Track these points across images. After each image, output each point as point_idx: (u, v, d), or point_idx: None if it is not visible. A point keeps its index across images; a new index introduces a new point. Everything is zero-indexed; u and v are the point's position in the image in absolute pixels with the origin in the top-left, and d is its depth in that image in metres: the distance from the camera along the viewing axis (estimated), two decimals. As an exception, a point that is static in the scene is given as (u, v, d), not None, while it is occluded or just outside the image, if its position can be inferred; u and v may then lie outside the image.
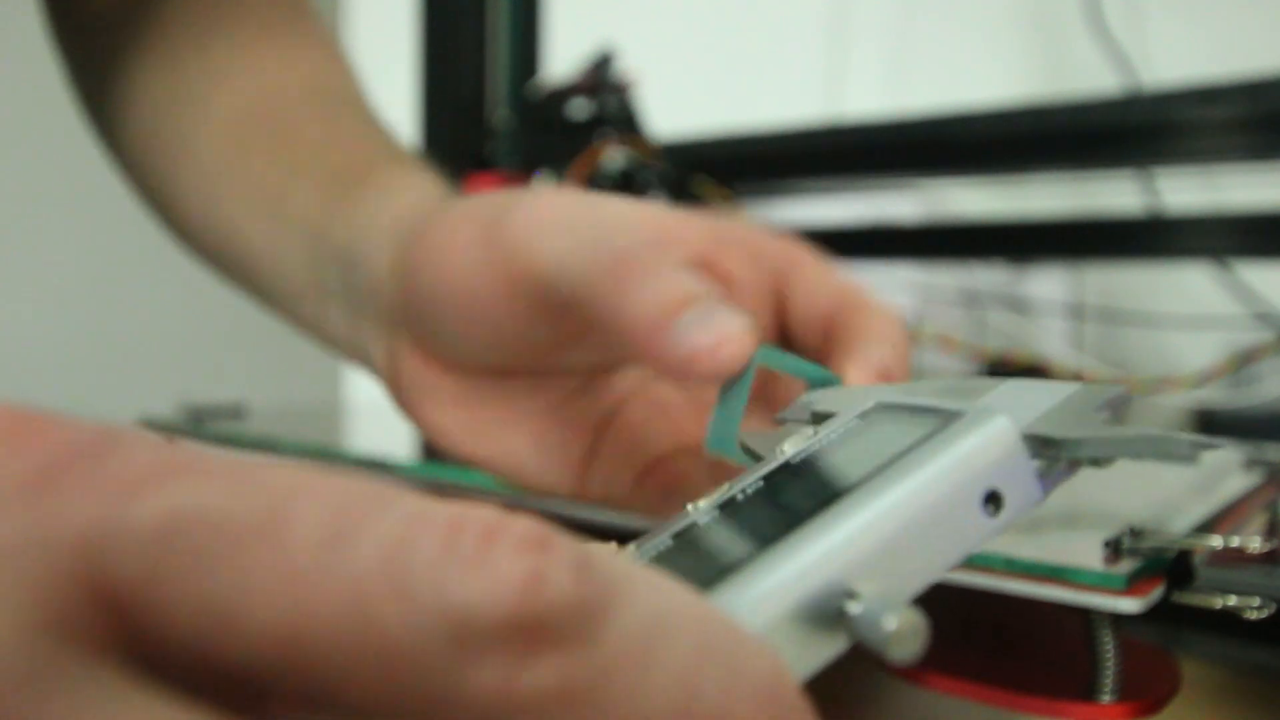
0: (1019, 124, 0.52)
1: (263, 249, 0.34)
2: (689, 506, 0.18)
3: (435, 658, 0.11)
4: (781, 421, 0.22)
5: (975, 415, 0.17)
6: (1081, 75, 0.75)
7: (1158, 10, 0.77)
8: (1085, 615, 0.25)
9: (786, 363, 0.22)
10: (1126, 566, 0.24)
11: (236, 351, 1.17)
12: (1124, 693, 0.24)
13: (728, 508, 0.17)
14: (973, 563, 0.26)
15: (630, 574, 0.12)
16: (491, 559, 0.11)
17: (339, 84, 0.39)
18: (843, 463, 0.17)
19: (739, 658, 0.12)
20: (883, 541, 0.15)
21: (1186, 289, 0.66)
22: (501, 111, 0.70)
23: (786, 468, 0.18)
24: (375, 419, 0.60)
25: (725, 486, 0.18)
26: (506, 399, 0.28)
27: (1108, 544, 0.25)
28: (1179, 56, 0.66)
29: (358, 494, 0.11)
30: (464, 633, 0.11)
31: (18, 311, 1.00)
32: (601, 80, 0.63)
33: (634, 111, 0.63)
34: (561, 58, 0.72)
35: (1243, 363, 0.46)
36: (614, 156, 0.60)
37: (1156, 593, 0.24)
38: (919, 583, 0.16)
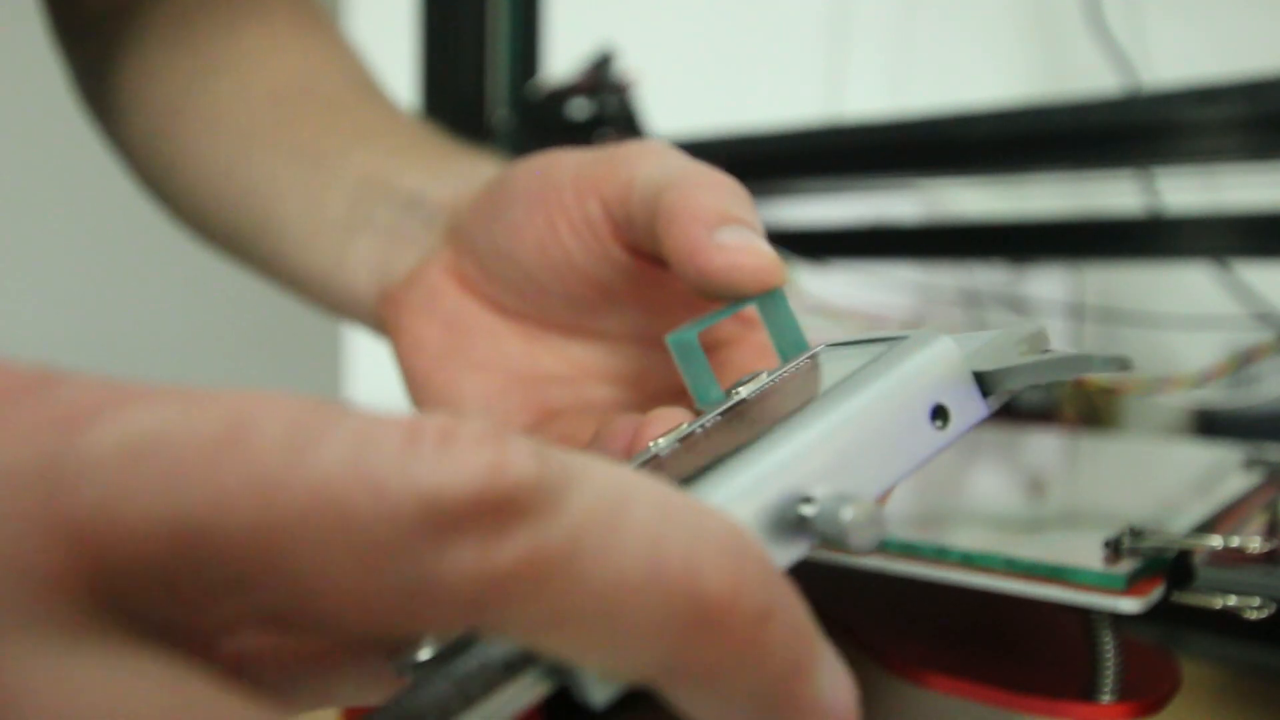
0: (1019, 124, 0.52)
1: (295, 193, 0.35)
2: (651, 443, 0.19)
3: (410, 544, 0.11)
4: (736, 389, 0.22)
5: (920, 337, 0.18)
6: (1081, 75, 0.75)
7: (1158, 10, 0.77)
8: (1085, 615, 0.25)
9: (783, 316, 0.23)
10: (1126, 566, 0.24)
11: (237, 351, 1.17)
12: (1124, 693, 0.24)
13: (687, 440, 0.18)
14: (973, 563, 0.26)
15: (585, 459, 0.13)
16: (454, 450, 0.11)
17: (374, 80, 0.40)
18: (795, 392, 0.18)
19: (699, 519, 0.13)
20: (835, 452, 0.16)
21: (1186, 289, 0.66)
22: (501, 111, 0.70)
23: (743, 403, 0.19)
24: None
25: (684, 425, 0.19)
26: (495, 344, 0.29)
27: (1108, 544, 0.25)
28: (1179, 56, 0.66)
29: (312, 405, 0.12)
30: (436, 516, 0.11)
31: (17, 312, 1.00)
32: (601, 80, 0.63)
33: (634, 111, 0.63)
34: (561, 58, 0.72)
35: (1243, 363, 0.46)
36: (614, 156, 0.60)
37: (1156, 593, 0.24)
38: (872, 491, 0.17)
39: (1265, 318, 0.54)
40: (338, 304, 0.34)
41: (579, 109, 0.63)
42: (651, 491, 0.13)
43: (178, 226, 0.42)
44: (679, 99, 0.74)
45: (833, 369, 0.19)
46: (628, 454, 0.22)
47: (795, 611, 0.13)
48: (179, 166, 0.39)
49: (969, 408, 0.18)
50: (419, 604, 0.11)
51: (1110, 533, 0.25)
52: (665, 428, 0.21)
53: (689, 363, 0.23)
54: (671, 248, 0.23)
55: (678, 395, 0.28)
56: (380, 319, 0.32)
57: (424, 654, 0.14)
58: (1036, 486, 0.42)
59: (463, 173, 0.32)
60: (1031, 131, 0.51)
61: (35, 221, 1.00)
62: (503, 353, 0.29)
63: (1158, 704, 0.24)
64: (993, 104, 0.52)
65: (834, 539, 0.15)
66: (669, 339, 0.24)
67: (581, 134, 0.62)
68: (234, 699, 0.11)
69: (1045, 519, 0.35)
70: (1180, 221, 0.53)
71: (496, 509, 0.11)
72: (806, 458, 0.16)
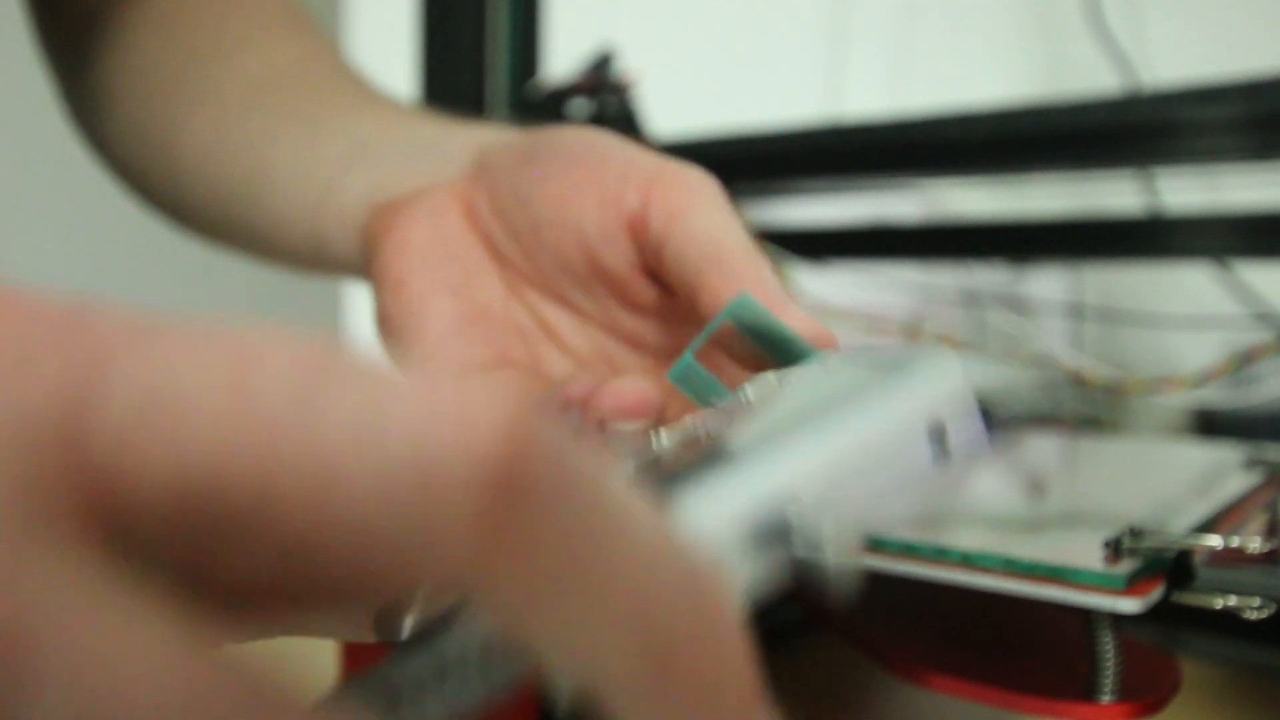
0: (1019, 124, 0.52)
1: (291, 144, 0.35)
2: (654, 443, 0.19)
3: (409, 512, 0.11)
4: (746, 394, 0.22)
5: (928, 355, 0.18)
6: (1081, 75, 0.75)
7: (1158, 10, 0.77)
8: (1085, 615, 0.25)
9: (760, 318, 0.23)
10: (1126, 566, 0.24)
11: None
12: (1124, 693, 0.24)
13: (689, 442, 0.19)
14: (973, 563, 0.26)
15: (598, 461, 0.12)
16: (468, 424, 0.11)
17: (364, 77, 0.40)
18: (800, 398, 0.18)
19: (697, 576, 0.13)
20: (830, 462, 0.16)
21: (1186, 289, 0.66)
22: (501, 111, 0.70)
23: (748, 406, 0.19)
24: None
25: (689, 424, 0.19)
26: (478, 275, 0.29)
27: (1108, 544, 0.25)
28: (1179, 56, 0.66)
29: (320, 355, 0.11)
30: (434, 491, 0.11)
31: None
32: (601, 80, 0.63)
33: (634, 111, 0.63)
34: (561, 58, 0.72)
35: (1243, 363, 0.46)
36: (614, 156, 0.60)
37: (1156, 593, 0.24)
38: (863, 508, 0.16)
39: (1265, 318, 0.54)
40: (321, 240, 0.33)
41: (579, 109, 0.63)
42: (650, 520, 0.13)
43: (158, 215, 0.42)
44: (679, 99, 0.74)
45: (840, 379, 0.19)
46: (580, 409, 0.22)
47: (748, 669, 0.13)
48: (166, 143, 0.39)
49: (969, 432, 0.18)
50: (407, 566, 0.11)
51: (1110, 533, 0.25)
52: (621, 398, 0.21)
53: (696, 386, 0.23)
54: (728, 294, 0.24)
55: None
56: (368, 233, 0.31)
57: (407, 625, 0.14)
58: (1036, 486, 0.42)
59: (482, 131, 0.32)
60: (1031, 131, 0.51)
61: (34, 215, 1.00)
62: (481, 286, 0.29)
63: (1158, 704, 0.24)
64: (993, 104, 0.52)
65: (811, 552, 0.15)
66: (672, 378, 0.24)
67: (581, 134, 0.62)
68: (225, 633, 0.11)
69: (1045, 519, 0.35)
70: (1180, 221, 0.53)
71: (502, 492, 0.11)
72: (800, 465, 0.16)
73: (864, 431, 0.17)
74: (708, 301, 0.24)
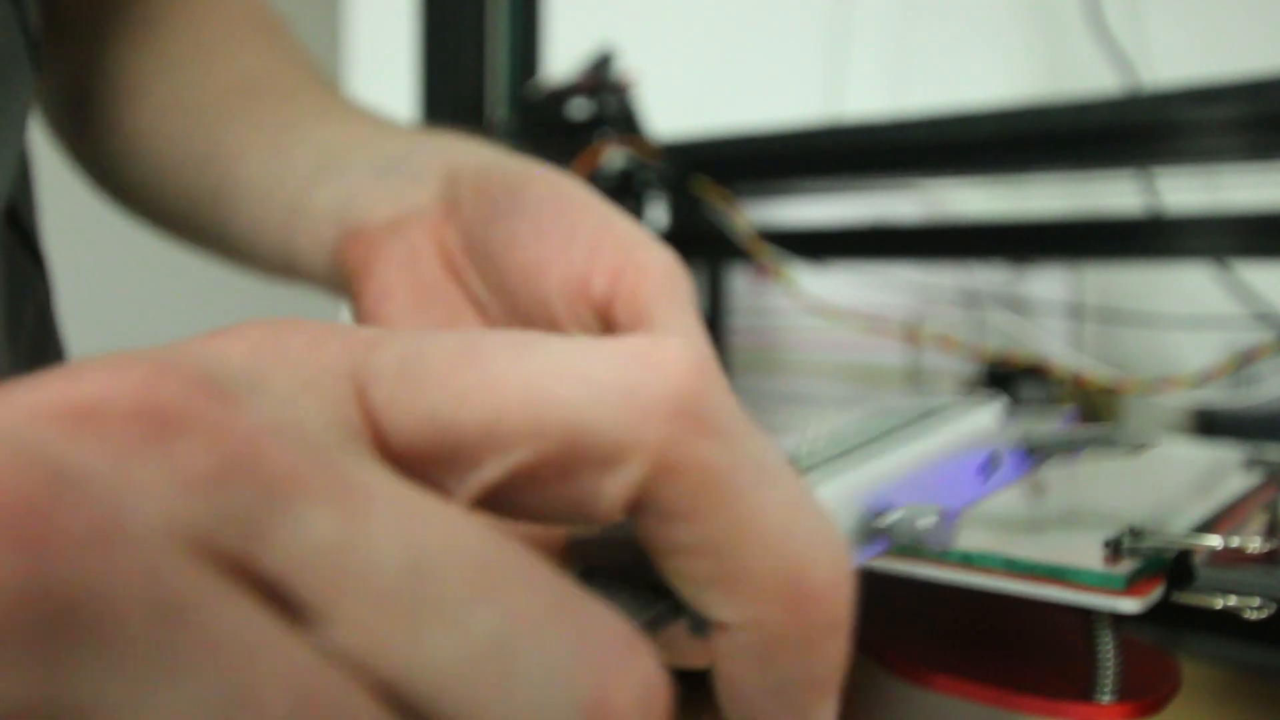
0: (1019, 124, 0.52)
1: (258, 153, 0.35)
2: None
3: (605, 427, 0.13)
4: None
5: (983, 402, 0.22)
6: (1081, 75, 0.75)
7: (1158, 10, 0.77)
8: (1085, 615, 0.25)
9: None
10: (1126, 566, 0.24)
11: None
12: (1124, 693, 0.24)
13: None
14: (973, 563, 0.26)
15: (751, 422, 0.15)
16: (655, 360, 0.14)
17: (334, 82, 0.40)
18: (867, 428, 0.21)
19: (833, 533, 0.15)
20: (913, 475, 0.19)
21: (1186, 289, 0.66)
22: (501, 111, 0.70)
23: (816, 438, 0.22)
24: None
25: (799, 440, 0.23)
26: (462, 318, 0.29)
27: (1108, 544, 0.25)
28: (1179, 56, 0.66)
29: (529, 332, 0.15)
30: (635, 402, 0.13)
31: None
32: (601, 80, 0.63)
33: (634, 111, 0.63)
34: (561, 58, 0.72)
35: (1243, 363, 0.46)
36: (614, 156, 0.60)
37: (1156, 593, 0.24)
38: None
39: (1265, 318, 0.54)
40: (291, 254, 0.33)
41: (579, 109, 0.63)
42: (798, 482, 0.15)
43: (133, 217, 0.42)
44: (679, 99, 0.74)
45: (894, 418, 0.21)
46: None
47: (846, 646, 0.15)
48: (137, 152, 0.39)
49: (1013, 462, 0.22)
50: (607, 459, 0.14)
51: (1110, 533, 0.25)
52: None
53: None
54: None
55: None
56: (342, 258, 0.30)
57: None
58: (1036, 486, 0.42)
59: (450, 146, 0.31)
60: (1031, 131, 0.51)
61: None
62: (468, 328, 0.29)
63: (1158, 704, 0.24)
64: (993, 104, 0.52)
65: (908, 539, 0.18)
66: None
67: (582, 134, 0.62)
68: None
69: (1045, 519, 0.35)
70: (1180, 221, 0.53)
71: (690, 406, 0.13)
72: (893, 475, 0.19)
73: (941, 450, 0.20)
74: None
